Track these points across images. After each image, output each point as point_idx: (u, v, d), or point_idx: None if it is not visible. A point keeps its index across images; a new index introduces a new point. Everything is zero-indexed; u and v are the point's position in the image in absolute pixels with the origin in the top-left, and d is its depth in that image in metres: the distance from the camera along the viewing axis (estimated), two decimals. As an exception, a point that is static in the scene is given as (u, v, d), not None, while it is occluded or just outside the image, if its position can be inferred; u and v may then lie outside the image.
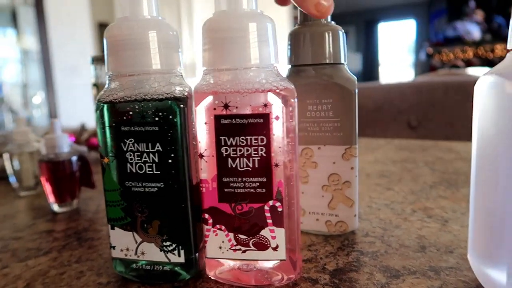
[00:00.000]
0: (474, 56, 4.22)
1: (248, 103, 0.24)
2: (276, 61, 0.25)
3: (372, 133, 0.95)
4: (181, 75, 0.27)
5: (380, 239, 0.32)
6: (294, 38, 0.32)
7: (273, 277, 0.25)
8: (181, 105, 0.24)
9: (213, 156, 0.24)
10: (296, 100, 0.24)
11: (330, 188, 0.32)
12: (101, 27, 2.93)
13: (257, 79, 0.24)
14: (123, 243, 0.26)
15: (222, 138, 0.24)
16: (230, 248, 0.25)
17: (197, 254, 0.26)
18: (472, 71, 1.98)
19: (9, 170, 0.49)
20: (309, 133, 0.32)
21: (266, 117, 0.23)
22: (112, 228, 0.26)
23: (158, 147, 0.25)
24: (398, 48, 5.28)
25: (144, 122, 0.24)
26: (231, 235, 0.25)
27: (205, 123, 0.24)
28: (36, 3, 2.30)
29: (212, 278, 0.26)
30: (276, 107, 0.23)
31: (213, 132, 0.24)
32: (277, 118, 0.23)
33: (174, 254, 0.25)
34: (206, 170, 0.25)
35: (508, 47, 0.23)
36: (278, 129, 0.24)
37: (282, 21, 3.27)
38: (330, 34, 0.31)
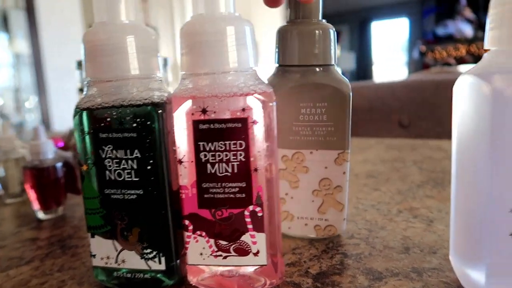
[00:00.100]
0: (467, 53, 4.24)
1: (226, 107, 0.23)
2: (255, 65, 0.25)
3: (364, 133, 0.95)
4: (161, 80, 0.27)
5: (365, 240, 0.32)
6: (283, 37, 0.31)
7: (256, 282, 0.25)
8: (159, 111, 0.24)
9: (192, 161, 0.24)
10: (275, 104, 0.24)
11: (321, 193, 0.32)
12: (93, 30, 2.90)
13: (235, 83, 0.24)
14: (104, 251, 0.26)
15: (201, 143, 0.24)
16: (211, 254, 0.25)
17: (178, 261, 0.26)
18: (464, 68, 1.99)
19: (-5, 177, 0.48)
20: (301, 137, 0.31)
21: (244, 121, 0.23)
22: (92, 236, 0.26)
23: (136, 153, 0.24)
24: (391, 46, 5.30)
25: (122, 128, 0.24)
26: (212, 241, 0.25)
27: (184, 128, 0.24)
28: (27, 7, 2.28)
29: (194, 284, 0.26)
30: (255, 111, 0.23)
31: (192, 137, 0.24)
32: (255, 122, 0.23)
33: (154, 261, 0.25)
34: (186, 176, 0.25)
35: (485, 47, 0.23)
36: (256, 134, 0.23)
37: (276, 23, 3.27)
38: (321, 33, 0.30)
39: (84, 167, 0.25)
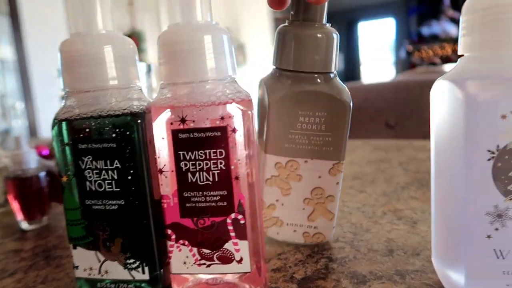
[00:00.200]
0: (452, 52, 4.30)
1: (205, 116, 0.23)
2: (233, 73, 0.25)
3: (351, 134, 0.96)
4: (140, 89, 0.27)
5: (349, 244, 0.32)
6: (284, 39, 0.30)
7: (240, 289, 0.25)
8: (139, 121, 0.24)
9: (172, 171, 0.24)
10: (253, 111, 0.24)
11: (312, 202, 0.31)
12: (80, 34, 2.88)
13: (213, 92, 0.24)
14: (86, 262, 0.25)
15: (181, 152, 0.24)
16: (194, 263, 0.25)
17: (162, 270, 0.25)
18: (449, 67, 2.01)
19: (-23, 188, 0.48)
20: (297, 146, 0.30)
21: (223, 130, 0.23)
22: (75, 247, 0.26)
23: (117, 164, 0.24)
24: (378, 47, 5.35)
25: (102, 139, 0.24)
26: (195, 249, 0.25)
27: (163, 138, 0.24)
28: (11, 12, 2.25)
29: (178, 293, 0.26)
30: (234, 120, 0.23)
31: (172, 147, 0.24)
32: (235, 130, 0.23)
33: (138, 271, 0.25)
34: (167, 186, 0.24)
35: (459, 52, 0.23)
36: (236, 142, 0.23)
37: (263, 26, 3.28)
38: (325, 38, 0.29)
39: (64, 178, 0.25)
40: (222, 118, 0.23)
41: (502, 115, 0.20)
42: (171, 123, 0.24)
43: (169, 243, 0.25)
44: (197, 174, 0.24)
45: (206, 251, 0.25)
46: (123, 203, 0.24)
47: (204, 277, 0.25)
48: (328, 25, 0.30)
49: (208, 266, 0.25)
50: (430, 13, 4.51)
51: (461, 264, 0.22)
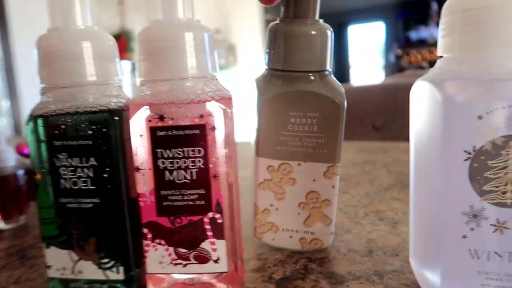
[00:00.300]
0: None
1: (184, 114, 0.23)
2: (214, 71, 0.25)
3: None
4: (120, 86, 0.26)
5: (330, 244, 0.32)
6: (275, 37, 0.28)
7: (217, 289, 0.25)
8: (116, 118, 0.24)
9: (150, 169, 0.24)
10: (232, 110, 0.24)
11: (307, 206, 0.30)
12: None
13: (193, 89, 0.24)
14: (59, 262, 0.25)
15: (159, 150, 0.23)
16: (170, 263, 0.24)
17: (137, 270, 0.25)
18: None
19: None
20: (289, 148, 0.29)
21: (202, 128, 0.23)
22: (47, 246, 0.25)
23: (92, 161, 0.24)
24: (368, 50, 5.39)
25: (78, 136, 0.24)
26: (171, 249, 0.24)
27: (141, 135, 0.24)
28: (-3, 9, 2.22)
29: (155, 293, 0.25)
30: (213, 118, 0.23)
31: (149, 144, 0.24)
32: (213, 128, 0.23)
33: (113, 271, 0.24)
34: (144, 184, 0.24)
35: (438, 54, 0.23)
36: (215, 140, 0.23)
37: (254, 26, 3.28)
38: (318, 35, 0.27)
39: (38, 176, 0.25)
40: (201, 116, 0.23)
41: (479, 116, 0.20)
42: (149, 120, 0.23)
43: (145, 242, 0.24)
44: (175, 172, 0.24)
45: (183, 250, 0.24)
46: (98, 201, 0.24)
47: (181, 277, 0.25)
48: (321, 21, 0.28)
49: (185, 266, 0.24)
50: (418, 18, 4.57)
51: (437, 264, 0.22)
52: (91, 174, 0.24)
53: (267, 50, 0.29)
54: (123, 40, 2.50)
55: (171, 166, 0.24)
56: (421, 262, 0.24)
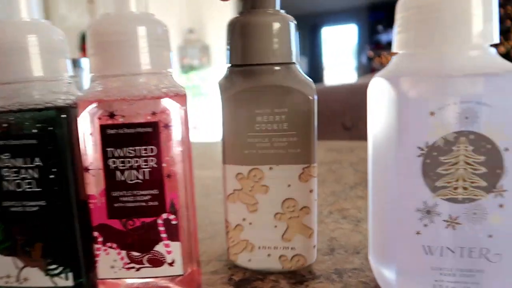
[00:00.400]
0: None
1: (136, 111, 0.22)
2: (169, 67, 0.24)
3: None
4: (70, 83, 0.25)
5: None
6: (234, 30, 0.26)
7: (173, 293, 0.24)
8: (63, 115, 0.22)
9: (100, 169, 0.23)
10: (186, 107, 0.23)
11: (284, 216, 0.27)
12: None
13: (146, 85, 0.23)
14: (3, 269, 0.23)
15: (109, 149, 0.22)
16: (123, 267, 0.23)
17: (88, 276, 0.24)
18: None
19: None
20: (258, 151, 0.26)
21: (155, 126, 0.22)
22: (-10, 253, 0.23)
23: (38, 161, 0.22)
24: (341, 51, 5.48)
25: (21, 134, 0.22)
26: (124, 252, 0.23)
27: (90, 134, 0.22)
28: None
29: (108, 299, 0.24)
30: (166, 115, 0.22)
31: (99, 143, 0.22)
32: (166, 126, 0.22)
33: (61, 278, 0.23)
34: (94, 185, 0.23)
35: (394, 50, 0.23)
36: (168, 138, 0.22)
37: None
38: (279, 25, 0.25)
39: (-21, 178, 0.23)
40: (154, 113, 0.22)
41: (431, 112, 0.20)
42: (99, 118, 0.22)
43: (96, 246, 0.23)
44: (126, 172, 0.23)
45: (136, 254, 0.23)
46: (44, 204, 0.23)
47: (135, 281, 0.24)
48: (282, 11, 0.26)
49: (138, 269, 0.23)
50: (389, 21, 4.68)
51: (392, 260, 0.22)
52: (36, 176, 0.22)
53: (227, 47, 0.27)
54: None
55: (122, 166, 0.22)
56: (378, 259, 0.24)
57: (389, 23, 4.71)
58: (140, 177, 0.23)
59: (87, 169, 0.23)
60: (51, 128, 0.22)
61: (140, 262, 0.23)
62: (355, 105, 1.05)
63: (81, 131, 0.23)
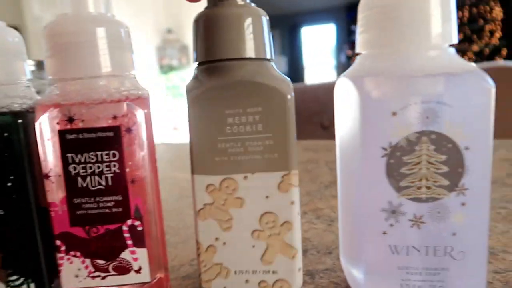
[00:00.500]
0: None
1: (96, 115, 0.22)
2: (131, 69, 0.23)
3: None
4: (28, 87, 0.24)
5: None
6: (199, 25, 0.23)
7: (141, 301, 0.23)
8: (19, 120, 0.22)
9: (60, 176, 0.22)
10: (149, 110, 0.23)
11: (263, 234, 0.23)
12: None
13: (106, 88, 0.22)
14: (-40, 282, 0.22)
15: (69, 155, 0.22)
16: (88, 276, 0.23)
17: (51, 286, 0.23)
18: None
19: None
20: (230, 157, 0.23)
21: (116, 130, 0.22)
22: None
23: (-7, 169, 0.21)
24: (321, 51, 5.53)
25: (-24, 141, 0.21)
26: (88, 261, 0.23)
27: (48, 139, 0.22)
28: None
29: (72, 310, 0.24)
30: (128, 119, 0.22)
31: (59, 149, 0.22)
32: (128, 130, 0.22)
33: (22, 289, 0.22)
34: (54, 192, 0.22)
35: (357, 50, 0.23)
36: (131, 143, 0.22)
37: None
38: (250, 18, 0.23)
39: None
40: (115, 117, 0.22)
41: (393, 112, 0.20)
42: (57, 123, 0.22)
43: (59, 255, 0.23)
44: (88, 178, 0.22)
45: (101, 262, 0.23)
46: (2, 213, 0.22)
47: (101, 290, 0.23)
48: (253, 5, 0.24)
49: (103, 278, 0.23)
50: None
51: (360, 260, 0.22)
52: (-8, 184, 0.21)
53: (193, 45, 0.24)
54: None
55: (83, 172, 0.22)
56: (348, 259, 0.24)
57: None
58: (103, 183, 0.22)
59: (47, 176, 0.22)
60: (7, 134, 0.21)
61: (105, 270, 0.23)
62: (333, 104, 1.06)
63: (39, 136, 0.22)
